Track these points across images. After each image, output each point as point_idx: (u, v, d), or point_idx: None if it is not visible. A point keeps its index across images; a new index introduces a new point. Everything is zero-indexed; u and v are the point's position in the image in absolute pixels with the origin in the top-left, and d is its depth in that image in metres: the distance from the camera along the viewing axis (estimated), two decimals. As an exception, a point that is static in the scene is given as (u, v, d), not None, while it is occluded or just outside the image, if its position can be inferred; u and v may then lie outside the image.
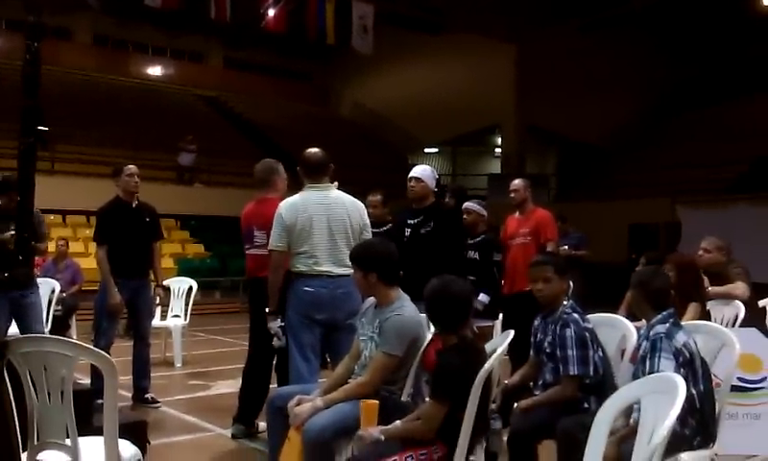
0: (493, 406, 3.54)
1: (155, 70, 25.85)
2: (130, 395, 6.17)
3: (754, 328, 4.76)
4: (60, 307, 8.50)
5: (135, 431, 3.65)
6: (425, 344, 3.64)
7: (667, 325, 3.33)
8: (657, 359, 3.20)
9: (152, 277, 6.40)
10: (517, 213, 6.79)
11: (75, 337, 8.56)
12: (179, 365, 8.17)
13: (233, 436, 5.24)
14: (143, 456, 3.21)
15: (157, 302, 6.66)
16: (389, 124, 25.37)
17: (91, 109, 20.47)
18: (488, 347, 3.44)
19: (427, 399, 3.27)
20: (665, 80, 22.84)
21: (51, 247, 11.20)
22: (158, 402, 6.21)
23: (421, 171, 5.46)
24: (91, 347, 3.11)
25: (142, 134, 19.52)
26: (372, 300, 3.76)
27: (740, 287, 5.40)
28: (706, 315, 5.05)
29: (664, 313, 3.39)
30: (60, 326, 8.50)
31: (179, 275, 11.39)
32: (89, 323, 7.72)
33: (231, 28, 17.96)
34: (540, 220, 6.67)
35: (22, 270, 4.49)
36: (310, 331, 4.40)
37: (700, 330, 3.65)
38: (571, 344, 3.60)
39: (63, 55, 21.69)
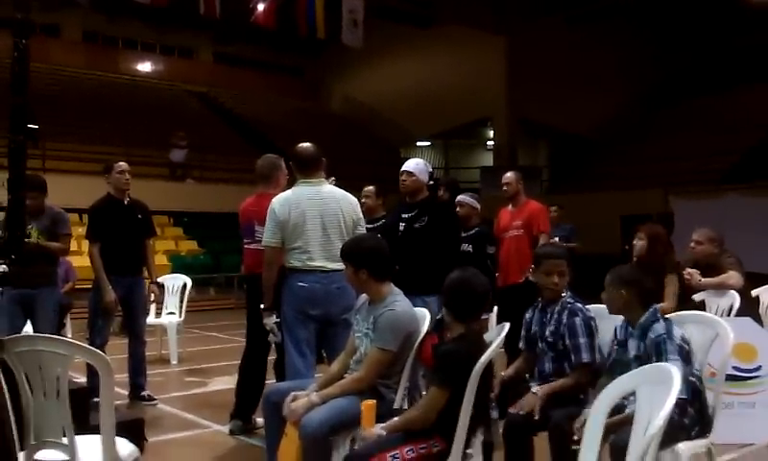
0: (491, 395, 3.55)
1: (144, 66, 25.77)
2: (126, 393, 6.16)
3: (748, 318, 4.79)
4: (53, 306, 8.49)
5: (132, 429, 3.65)
6: (420, 338, 3.65)
7: (663, 323, 3.34)
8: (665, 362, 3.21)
9: (145, 274, 6.39)
10: (510, 206, 6.80)
11: (70, 336, 8.53)
12: (174, 362, 8.15)
13: (231, 432, 5.23)
14: (140, 454, 3.20)
15: (152, 299, 6.64)
16: (380, 118, 25.36)
17: (81, 106, 20.38)
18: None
19: (426, 390, 3.28)
20: (656, 71, 22.91)
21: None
22: (155, 400, 6.19)
23: (414, 165, 5.39)
24: (86, 345, 3.11)
25: (133, 131, 19.44)
26: (365, 296, 3.76)
27: (734, 277, 5.39)
28: (684, 285, 5.07)
29: (651, 310, 3.39)
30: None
31: (172, 272, 11.38)
32: (84, 321, 7.71)
33: (221, 23, 17.85)
34: (533, 212, 6.68)
35: (31, 269, 4.50)
36: (305, 327, 4.39)
37: (694, 320, 3.67)
38: (581, 332, 3.64)
39: (52, 52, 21.61)
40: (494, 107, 22.81)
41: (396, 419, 3.19)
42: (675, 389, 2.40)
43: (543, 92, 20.90)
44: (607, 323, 3.78)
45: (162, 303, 8.33)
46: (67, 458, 2.84)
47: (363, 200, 6.13)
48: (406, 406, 3.65)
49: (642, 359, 3.28)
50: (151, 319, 7.69)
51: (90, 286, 6.08)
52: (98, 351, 2.99)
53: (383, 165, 18.85)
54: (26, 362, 2.78)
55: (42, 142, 13.90)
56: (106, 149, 16.94)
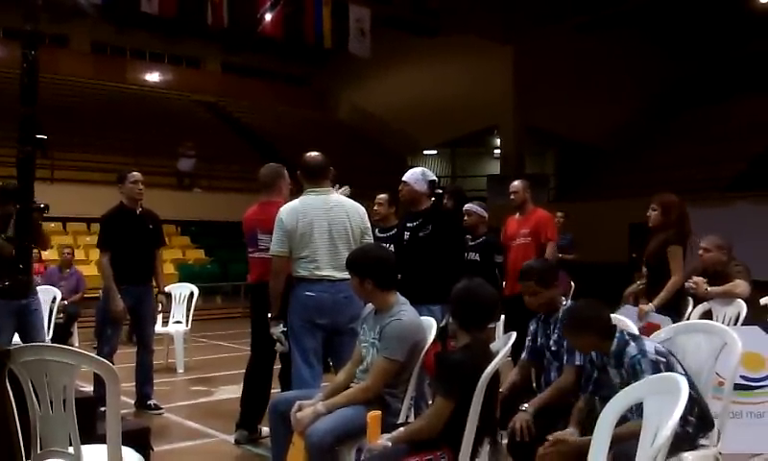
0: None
1: (153, 76, 25.86)
2: (132, 402, 6.17)
3: (756, 327, 4.75)
4: (61, 315, 8.52)
5: (139, 438, 3.63)
6: (427, 347, 3.64)
7: (633, 343, 3.29)
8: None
9: (154, 283, 6.40)
10: (517, 214, 6.79)
11: (77, 345, 8.55)
12: (181, 371, 8.16)
13: (236, 442, 5.23)
14: (146, 463, 3.21)
15: (159, 308, 6.65)
16: (387, 127, 25.37)
17: (90, 116, 20.46)
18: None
19: (432, 399, 3.27)
20: (664, 78, 22.85)
21: (55, 255, 11.25)
22: (161, 409, 6.20)
23: (410, 174, 5.34)
24: (93, 355, 3.11)
25: (141, 141, 19.51)
26: (371, 305, 3.76)
27: (741, 285, 5.37)
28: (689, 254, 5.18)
29: (617, 336, 3.33)
30: (62, 334, 8.51)
31: (180, 281, 11.40)
32: (91, 330, 7.72)
33: (229, 33, 17.94)
34: (540, 220, 6.66)
35: (24, 278, 4.48)
36: (312, 336, 4.40)
37: (703, 329, 3.65)
38: None
39: (61, 63, 21.70)
40: (502, 115, 22.77)
41: (401, 429, 3.18)
42: (683, 399, 2.39)
43: (551, 100, 20.87)
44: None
45: (169, 312, 8.34)
46: (74, 468, 2.84)
47: (376, 207, 6.11)
48: (412, 416, 3.64)
49: (626, 386, 3.25)
50: (158, 328, 7.68)
51: (98, 295, 6.09)
52: (104, 360, 2.99)
53: (390, 174, 18.82)
54: (33, 372, 2.79)
55: (51, 152, 13.98)
56: (114, 159, 17.01)
